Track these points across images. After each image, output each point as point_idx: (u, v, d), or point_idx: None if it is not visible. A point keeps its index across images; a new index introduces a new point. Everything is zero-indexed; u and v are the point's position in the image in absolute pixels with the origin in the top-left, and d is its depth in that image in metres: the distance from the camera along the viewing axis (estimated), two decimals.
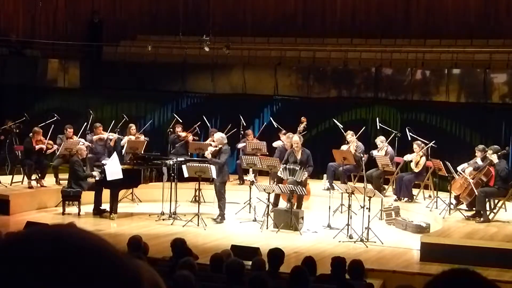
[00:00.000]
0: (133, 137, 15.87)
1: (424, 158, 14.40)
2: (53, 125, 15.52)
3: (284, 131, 15.56)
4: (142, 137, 16.09)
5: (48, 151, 15.08)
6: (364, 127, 15.43)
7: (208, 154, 13.46)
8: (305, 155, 13.71)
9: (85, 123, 16.05)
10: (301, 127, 15.31)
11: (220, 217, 13.54)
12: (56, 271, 0.96)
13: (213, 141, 14.15)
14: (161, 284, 1.28)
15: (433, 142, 14.31)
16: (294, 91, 17.93)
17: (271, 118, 17.03)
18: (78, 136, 15.52)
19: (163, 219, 13.60)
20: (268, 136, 16.30)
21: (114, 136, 16.02)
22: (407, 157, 14.64)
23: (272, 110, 17.90)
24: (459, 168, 13.37)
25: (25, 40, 20.57)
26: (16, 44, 20.49)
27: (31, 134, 14.99)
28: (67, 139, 15.26)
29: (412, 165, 14.56)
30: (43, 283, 0.95)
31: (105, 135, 15.84)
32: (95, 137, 15.67)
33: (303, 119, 15.42)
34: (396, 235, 12.80)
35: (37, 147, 14.79)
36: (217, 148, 13.46)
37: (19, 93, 19.06)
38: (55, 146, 15.12)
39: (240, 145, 16.05)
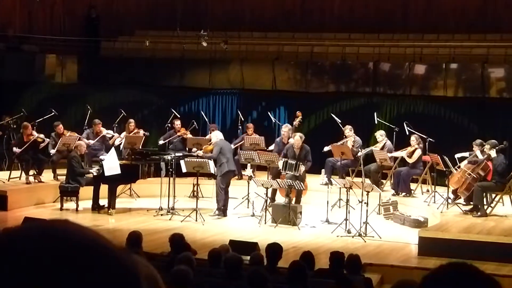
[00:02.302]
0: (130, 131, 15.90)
1: (419, 151, 14.41)
2: (49, 121, 15.54)
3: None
4: (142, 132, 16.08)
5: (41, 145, 15.02)
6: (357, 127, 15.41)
7: (199, 152, 13.85)
8: (304, 151, 13.75)
9: (85, 126, 16.08)
10: (296, 121, 15.35)
11: (217, 211, 13.56)
12: (53, 267, 0.96)
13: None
14: (158, 279, 1.29)
15: (430, 138, 14.35)
16: (292, 86, 17.92)
17: (269, 113, 17.03)
18: (69, 132, 15.51)
19: (161, 215, 13.61)
20: (266, 131, 16.28)
21: (115, 135, 15.98)
22: (396, 154, 14.67)
23: (270, 105, 17.87)
24: (456, 156, 13.39)
25: (22, 36, 20.53)
26: (13, 39, 20.45)
27: (21, 129, 15.00)
28: (58, 135, 15.24)
29: (403, 154, 14.53)
30: (40, 278, 0.95)
31: (103, 132, 15.78)
32: (87, 141, 15.52)
33: (298, 113, 15.46)
34: (394, 230, 12.81)
35: (15, 149, 14.73)
36: (211, 144, 13.66)
37: (17, 88, 19.03)
38: (46, 140, 15.05)
39: (234, 146, 15.92)
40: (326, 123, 16.96)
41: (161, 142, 16.28)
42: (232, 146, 15.15)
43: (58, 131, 15.35)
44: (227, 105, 18.09)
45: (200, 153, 13.93)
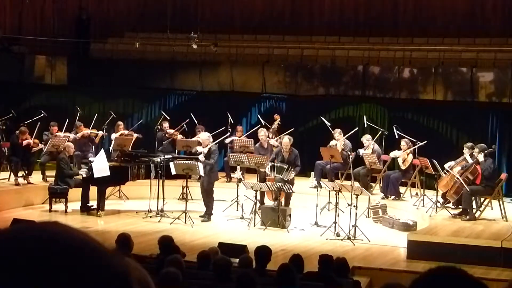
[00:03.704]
0: (119, 134, 15.84)
1: (411, 156, 14.46)
2: (39, 123, 15.46)
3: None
4: (135, 134, 16.03)
5: (33, 149, 14.98)
6: (356, 128, 15.42)
7: (202, 157, 13.41)
8: (293, 155, 13.74)
9: (68, 120, 15.90)
10: (274, 124, 15.40)
11: (207, 216, 13.54)
12: (42, 269, 0.95)
13: (199, 139, 14.23)
14: (150, 282, 1.28)
15: (420, 142, 14.38)
16: (282, 88, 17.94)
17: (258, 116, 17.02)
18: (63, 132, 15.46)
19: (151, 217, 13.58)
20: (255, 134, 16.28)
21: (99, 133, 15.93)
22: (394, 153, 14.71)
23: (260, 108, 17.88)
24: (446, 166, 13.42)
25: (12, 37, 20.45)
26: (3, 40, 20.37)
27: (17, 132, 14.94)
28: (52, 135, 15.20)
29: (399, 161, 14.61)
30: (30, 280, 0.95)
31: (87, 131, 15.68)
32: (78, 134, 15.53)
33: (276, 116, 15.49)
34: (383, 233, 12.83)
35: (24, 142, 14.71)
36: (207, 149, 13.48)
37: (6, 89, 18.94)
38: (41, 145, 15.03)
39: (228, 140, 15.99)
40: (316, 126, 16.98)
41: (170, 131, 16.13)
42: (227, 141, 15.52)
43: (52, 132, 15.31)
44: (217, 107, 18.06)
45: (203, 158, 13.31)
